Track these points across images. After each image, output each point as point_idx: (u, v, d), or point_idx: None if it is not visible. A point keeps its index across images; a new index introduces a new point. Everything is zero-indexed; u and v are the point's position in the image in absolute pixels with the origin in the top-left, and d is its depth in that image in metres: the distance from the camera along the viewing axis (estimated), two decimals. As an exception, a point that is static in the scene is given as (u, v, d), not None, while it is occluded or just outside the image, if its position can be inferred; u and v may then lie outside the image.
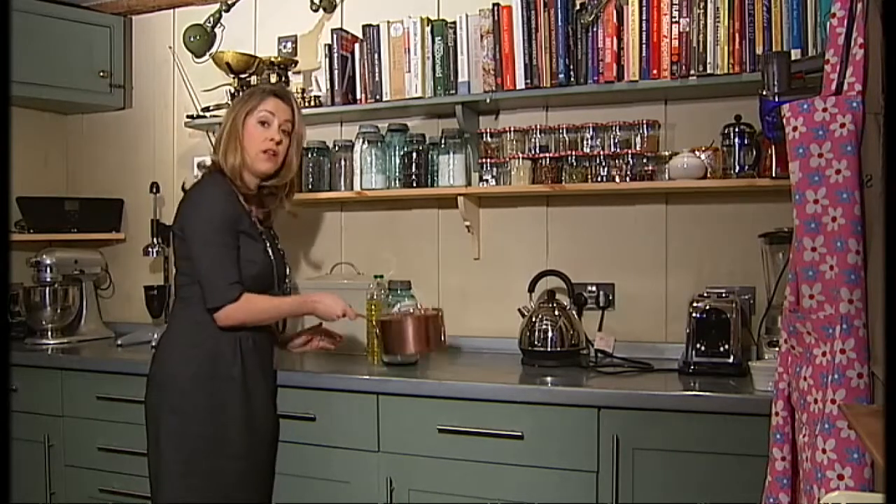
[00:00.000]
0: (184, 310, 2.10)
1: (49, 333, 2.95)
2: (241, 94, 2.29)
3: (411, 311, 2.25)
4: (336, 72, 2.64)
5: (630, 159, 2.35)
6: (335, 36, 2.66)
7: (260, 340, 2.14)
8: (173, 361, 2.08)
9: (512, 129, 2.53)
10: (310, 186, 2.72)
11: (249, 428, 2.09)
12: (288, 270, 2.27)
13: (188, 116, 2.92)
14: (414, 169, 2.58)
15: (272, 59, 2.76)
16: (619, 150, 2.39)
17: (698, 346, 2.17)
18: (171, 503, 2.03)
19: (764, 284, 2.24)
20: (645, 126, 2.38)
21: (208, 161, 2.32)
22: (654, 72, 2.26)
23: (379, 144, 2.62)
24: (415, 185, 2.58)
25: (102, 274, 3.22)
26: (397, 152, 2.62)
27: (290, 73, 2.80)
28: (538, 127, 2.51)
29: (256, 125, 2.10)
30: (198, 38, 2.84)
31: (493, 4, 2.42)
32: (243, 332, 2.08)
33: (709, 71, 2.19)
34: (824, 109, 1.38)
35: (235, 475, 2.06)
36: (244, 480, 2.09)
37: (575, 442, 1.97)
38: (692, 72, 2.21)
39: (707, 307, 2.18)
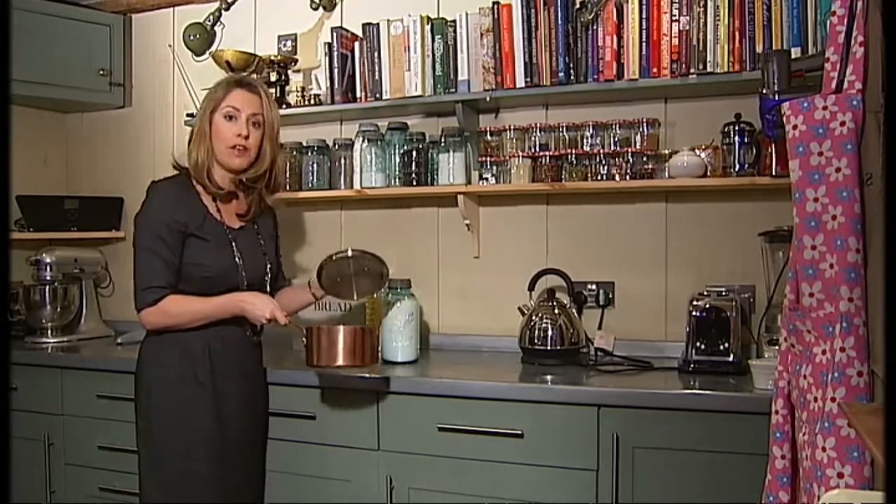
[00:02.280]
0: None
1: (49, 332, 2.96)
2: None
3: (343, 323, 2.14)
4: (336, 70, 2.64)
5: (630, 158, 2.34)
6: (335, 34, 2.66)
7: (233, 341, 2.11)
8: (144, 364, 2.09)
9: (512, 127, 2.53)
10: (310, 185, 2.72)
11: (220, 432, 2.07)
12: (269, 268, 2.19)
13: (188, 115, 2.92)
14: (414, 167, 2.58)
15: (272, 58, 2.76)
16: (619, 148, 2.39)
17: (698, 344, 2.17)
18: (147, 503, 2.06)
19: (764, 283, 2.24)
20: (645, 124, 2.38)
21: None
22: (654, 70, 2.25)
23: (379, 143, 2.62)
24: (415, 183, 2.58)
25: (102, 272, 3.22)
26: (397, 151, 2.62)
27: (289, 72, 2.80)
28: (538, 125, 2.51)
29: (223, 120, 2.06)
30: (198, 36, 2.84)
31: (493, 3, 2.41)
32: (212, 334, 2.06)
33: (709, 69, 2.19)
34: (824, 108, 1.38)
35: (207, 478, 2.04)
36: (219, 484, 2.07)
37: (575, 440, 1.97)
38: (692, 70, 2.21)
39: (707, 305, 2.18)
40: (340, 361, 2.01)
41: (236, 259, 2.09)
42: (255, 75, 2.75)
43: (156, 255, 2.00)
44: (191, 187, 2.10)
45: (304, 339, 2.03)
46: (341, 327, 2.04)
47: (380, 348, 2.15)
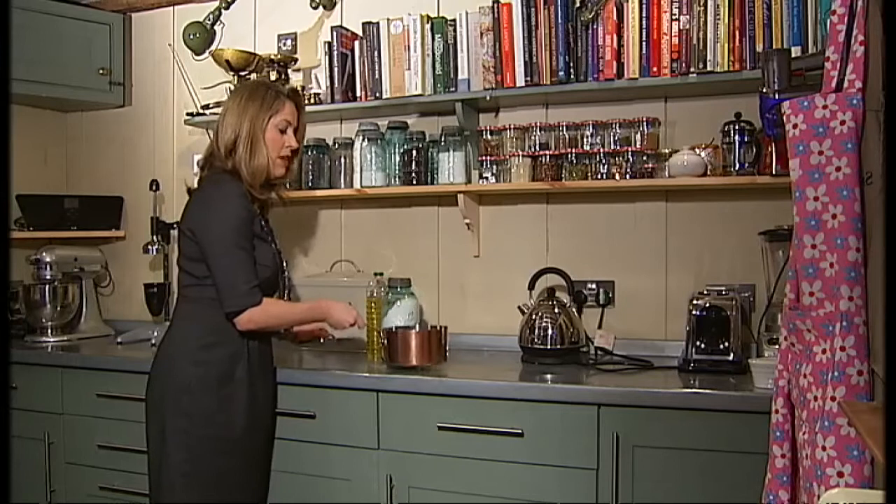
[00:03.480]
0: (192, 311, 2.07)
1: (49, 331, 2.96)
2: (249, 91, 2.14)
3: (416, 326, 2.40)
4: (336, 69, 2.64)
5: (630, 157, 2.34)
6: (335, 33, 2.66)
7: (265, 340, 2.15)
8: (181, 363, 2.03)
9: (512, 126, 2.53)
10: (309, 184, 2.72)
11: (254, 428, 2.09)
12: (285, 264, 2.27)
13: (188, 114, 2.92)
14: (414, 166, 2.58)
15: (272, 57, 2.76)
16: (619, 147, 2.38)
17: (698, 343, 2.17)
18: (181, 502, 2.02)
19: (764, 282, 2.24)
20: (645, 123, 2.37)
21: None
22: (655, 69, 2.25)
23: (379, 142, 2.62)
24: (415, 182, 2.58)
25: (102, 271, 3.22)
26: (397, 150, 2.62)
27: (289, 71, 2.80)
28: (538, 124, 2.51)
29: (276, 131, 2.10)
30: (197, 35, 2.83)
31: (493, 1, 2.41)
32: (251, 335, 2.07)
33: (709, 68, 2.19)
34: (824, 107, 1.38)
35: (238, 474, 2.07)
36: (246, 479, 2.09)
37: (575, 439, 1.97)
38: (692, 69, 2.21)
39: (707, 304, 2.18)
40: (414, 361, 2.21)
41: (278, 260, 2.15)
42: (254, 74, 2.75)
43: (248, 254, 2.00)
44: (243, 187, 2.07)
45: (384, 341, 2.25)
46: (413, 331, 2.25)
47: (446, 346, 2.29)
